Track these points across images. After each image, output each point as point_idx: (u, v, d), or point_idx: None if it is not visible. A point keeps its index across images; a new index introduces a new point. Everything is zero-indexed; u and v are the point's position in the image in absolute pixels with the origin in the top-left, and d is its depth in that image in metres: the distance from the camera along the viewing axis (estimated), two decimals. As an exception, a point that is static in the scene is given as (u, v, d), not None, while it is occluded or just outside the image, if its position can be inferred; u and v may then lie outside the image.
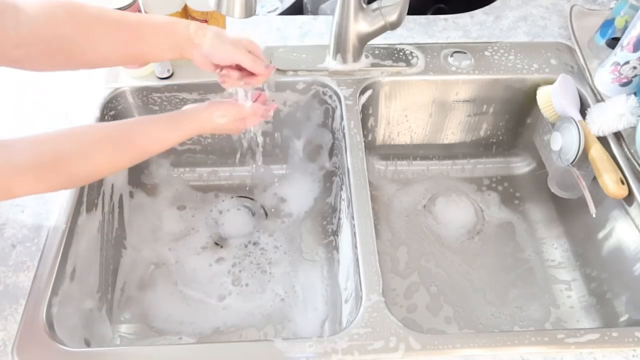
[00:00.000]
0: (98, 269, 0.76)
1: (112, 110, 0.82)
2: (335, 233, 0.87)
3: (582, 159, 0.74)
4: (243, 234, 0.91)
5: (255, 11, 0.64)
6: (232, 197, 0.96)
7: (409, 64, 0.85)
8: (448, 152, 0.99)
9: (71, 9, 0.55)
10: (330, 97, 0.85)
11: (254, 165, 0.99)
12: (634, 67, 0.75)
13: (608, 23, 0.85)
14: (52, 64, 0.57)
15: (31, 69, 0.56)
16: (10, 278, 0.62)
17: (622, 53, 0.75)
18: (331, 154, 0.93)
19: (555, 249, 0.88)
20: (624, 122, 0.72)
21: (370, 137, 0.95)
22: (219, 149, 0.96)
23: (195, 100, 0.86)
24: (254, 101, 0.66)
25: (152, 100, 0.84)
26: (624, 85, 0.78)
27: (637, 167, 0.72)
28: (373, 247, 0.65)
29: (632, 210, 0.71)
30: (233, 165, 0.98)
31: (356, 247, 0.65)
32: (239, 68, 0.62)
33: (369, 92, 0.85)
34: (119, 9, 0.72)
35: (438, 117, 0.92)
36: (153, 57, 0.63)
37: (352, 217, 0.68)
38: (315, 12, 1.18)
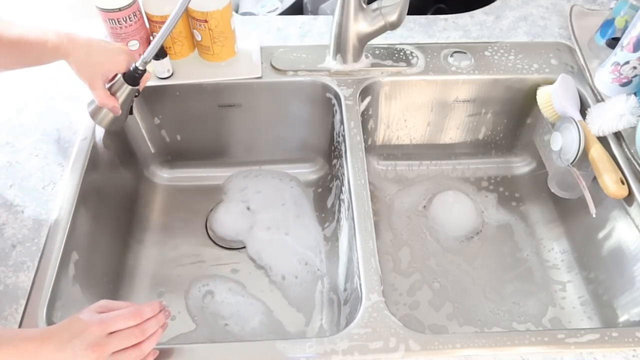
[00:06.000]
0: (100, 270, 0.76)
1: (112, 110, 0.82)
2: (335, 234, 0.87)
3: (582, 159, 0.74)
4: (241, 233, 0.91)
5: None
6: (232, 198, 0.96)
7: (409, 64, 0.85)
8: (448, 152, 0.99)
9: None
10: (330, 97, 0.85)
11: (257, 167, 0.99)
12: (634, 67, 0.75)
13: (608, 23, 0.85)
14: None
15: None
16: (10, 278, 0.62)
17: (622, 53, 0.75)
18: (331, 154, 0.93)
19: (555, 249, 0.88)
20: (624, 122, 0.72)
21: (370, 138, 0.95)
22: (221, 149, 0.96)
23: (196, 101, 0.86)
24: None
25: (152, 100, 0.84)
26: (624, 85, 0.78)
27: (637, 167, 0.72)
28: (373, 247, 0.65)
29: (632, 210, 0.71)
30: (234, 165, 0.99)
31: (356, 247, 0.65)
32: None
33: (369, 93, 0.85)
34: (119, 8, 0.72)
35: (438, 117, 0.92)
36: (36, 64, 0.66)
37: (352, 218, 0.68)
38: (315, 12, 1.18)
